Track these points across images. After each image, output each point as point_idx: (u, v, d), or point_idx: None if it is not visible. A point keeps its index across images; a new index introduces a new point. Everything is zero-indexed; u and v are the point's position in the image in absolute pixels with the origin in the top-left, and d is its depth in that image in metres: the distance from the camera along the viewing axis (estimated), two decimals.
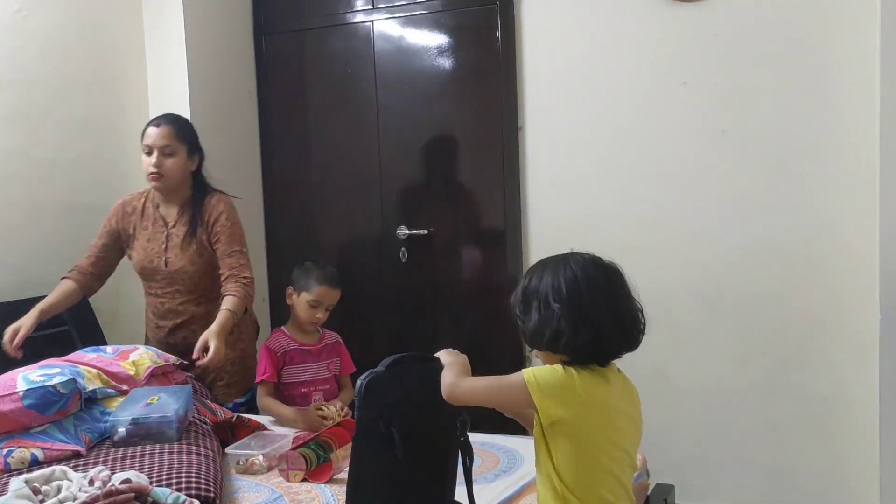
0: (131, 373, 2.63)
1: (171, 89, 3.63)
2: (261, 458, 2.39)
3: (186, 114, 3.58)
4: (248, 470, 2.38)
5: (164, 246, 2.96)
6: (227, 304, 2.84)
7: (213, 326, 2.76)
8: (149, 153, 2.91)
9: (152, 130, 2.93)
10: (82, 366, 2.55)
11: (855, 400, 3.00)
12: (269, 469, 2.38)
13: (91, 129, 3.44)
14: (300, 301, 2.95)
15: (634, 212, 3.29)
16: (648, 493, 2.41)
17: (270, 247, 4.03)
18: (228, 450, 2.46)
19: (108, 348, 2.84)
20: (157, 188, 2.97)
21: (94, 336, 3.13)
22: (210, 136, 3.67)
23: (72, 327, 3.13)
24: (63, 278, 2.96)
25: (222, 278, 2.91)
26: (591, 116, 3.34)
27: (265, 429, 2.67)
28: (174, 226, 2.98)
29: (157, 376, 2.73)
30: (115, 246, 3.04)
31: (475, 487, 2.21)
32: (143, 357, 2.73)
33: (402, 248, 3.73)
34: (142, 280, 3.07)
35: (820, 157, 3.01)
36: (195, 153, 3.00)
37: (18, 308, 3.00)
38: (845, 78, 2.94)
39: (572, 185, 3.39)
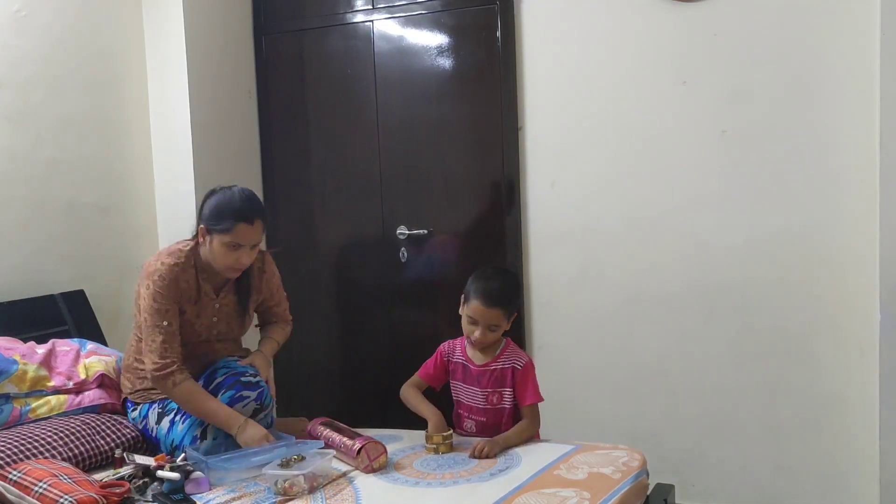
0: (82, 376, 2.78)
1: (171, 89, 3.63)
2: (302, 478, 2.23)
3: (186, 114, 3.60)
4: (288, 492, 2.21)
5: (214, 319, 2.72)
6: (275, 333, 2.87)
7: (262, 361, 2.77)
8: (235, 248, 2.57)
9: (246, 229, 2.56)
10: (26, 362, 2.68)
11: (855, 400, 3.00)
12: (312, 491, 2.23)
13: (91, 129, 3.44)
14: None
15: (634, 212, 3.29)
16: (648, 492, 2.40)
17: (270, 247, 4.02)
18: (266, 470, 2.32)
19: (90, 345, 2.94)
20: (229, 276, 2.69)
21: (93, 336, 3.13)
22: (210, 136, 3.70)
23: (72, 327, 3.13)
24: (182, 381, 2.55)
25: (271, 320, 2.93)
26: (591, 116, 3.34)
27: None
28: (224, 296, 2.74)
29: (112, 389, 2.84)
30: None
31: (472, 487, 2.23)
32: (95, 362, 2.84)
33: (402, 248, 3.73)
34: None
35: (820, 157, 3.01)
36: None
37: (18, 308, 3.01)
38: (845, 78, 2.94)
39: (572, 185, 3.39)
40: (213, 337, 2.75)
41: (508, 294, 2.63)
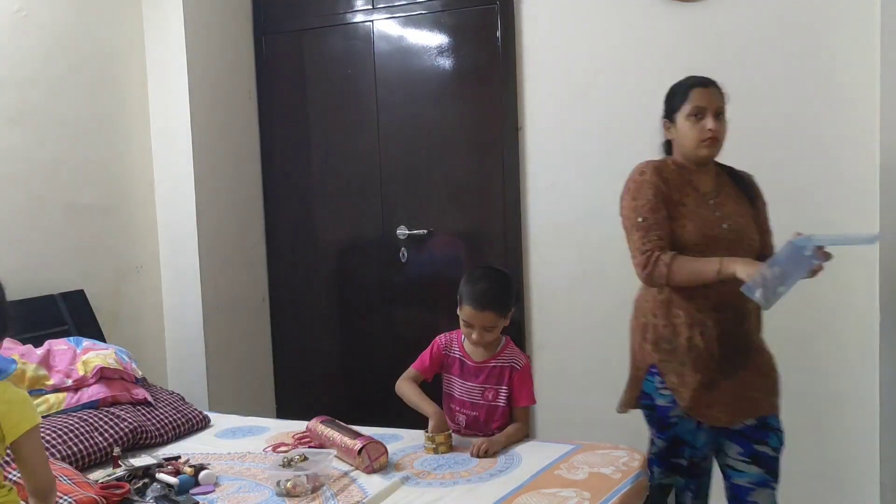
0: (81, 373, 2.79)
1: (171, 89, 3.63)
2: (304, 478, 2.22)
3: (186, 114, 3.60)
4: (291, 492, 2.20)
5: (717, 214, 2.46)
6: None
7: None
8: (699, 116, 2.43)
9: (702, 93, 2.46)
10: (25, 361, 2.70)
11: (855, 400, 3.00)
12: (315, 490, 2.22)
13: (91, 129, 3.44)
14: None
15: None
16: (648, 493, 2.40)
17: (270, 247, 4.03)
18: (268, 470, 2.34)
19: (85, 342, 2.95)
20: (706, 157, 2.47)
21: (93, 336, 3.13)
22: (210, 136, 3.70)
23: (72, 327, 3.13)
24: (670, 258, 2.35)
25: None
26: (591, 116, 3.34)
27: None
28: (717, 196, 2.50)
29: (113, 380, 2.84)
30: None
31: (472, 487, 2.23)
32: (92, 357, 2.85)
33: (402, 248, 3.73)
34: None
35: (820, 157, 3.01)
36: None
37: (18, 308, 3.00)
38: (845, 77, 2.94)
39: (572, 186, 3.39)
40: (733, 240, 2.46)
41: (498, 295, 2.62)
